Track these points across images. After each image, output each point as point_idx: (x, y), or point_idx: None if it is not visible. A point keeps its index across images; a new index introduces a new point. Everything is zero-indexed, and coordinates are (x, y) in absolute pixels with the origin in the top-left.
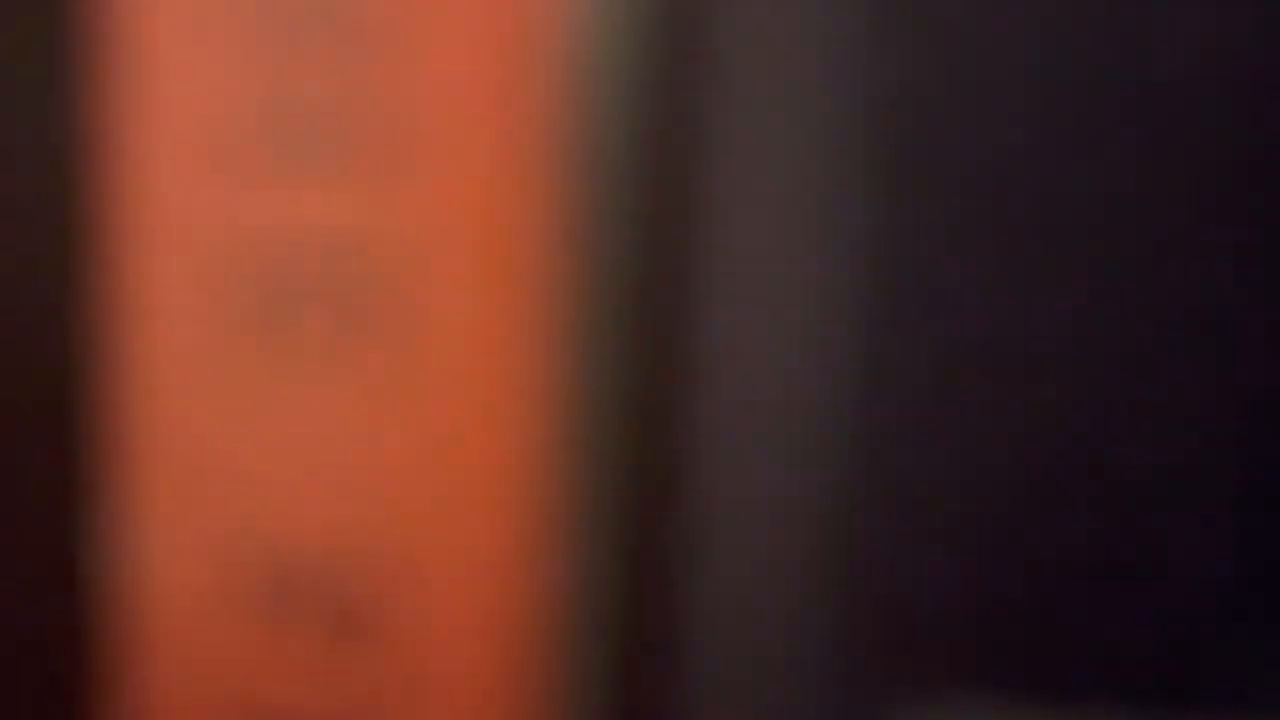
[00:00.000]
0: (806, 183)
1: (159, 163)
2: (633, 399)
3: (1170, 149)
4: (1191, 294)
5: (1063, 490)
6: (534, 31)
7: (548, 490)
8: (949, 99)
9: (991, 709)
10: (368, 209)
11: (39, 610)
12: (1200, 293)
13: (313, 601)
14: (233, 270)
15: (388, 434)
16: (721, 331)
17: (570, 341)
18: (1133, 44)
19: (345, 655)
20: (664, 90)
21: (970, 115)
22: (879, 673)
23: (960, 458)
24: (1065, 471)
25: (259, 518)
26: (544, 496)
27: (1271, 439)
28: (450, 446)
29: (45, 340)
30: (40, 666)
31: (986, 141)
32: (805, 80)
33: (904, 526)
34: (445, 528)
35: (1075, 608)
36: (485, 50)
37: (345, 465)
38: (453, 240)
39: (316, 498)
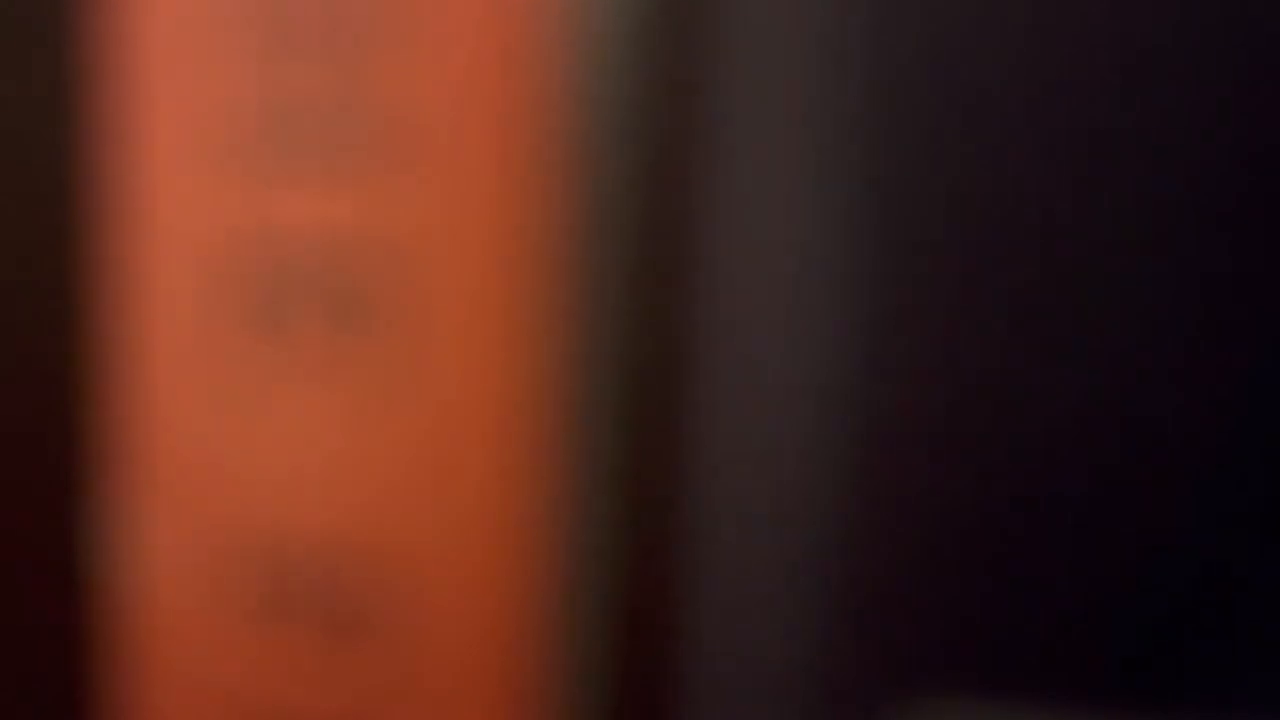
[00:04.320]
0: (808, 181)
1: (159, 163)
2: (633, 398)
3: (1179, 147)
4: (1196, 297)
5: (1061, 492)
6: (534, 31)
7: (547, 490)
8: (953, 95)
9: (988, 710)
10: (368, 209)
11: (38, 610)
12: (1204, 296)
13: (311, 601)
14: (233, 270)
15: (387, 434)
16: (723, 330)
17: (570, 340)
18: (1138, 37)
19: (344, 655)
20: (664, 89)
21: (974, 111)
22: (876, 674)
23: (960, 459)
24: (1064, 473)
25: (258, 517)
26: (543, 496)
27: (1266, 444)
28: (449, 446)
29: (45, 340)
30: (40, 666)
31: (992, 137)
32: (807, 78)
33: (902, 528)
34: (444, 527)
35: (1072, 609)
36: (485, 50)
37: (344, 465)
38: (452, 240)
39: (315, 497)
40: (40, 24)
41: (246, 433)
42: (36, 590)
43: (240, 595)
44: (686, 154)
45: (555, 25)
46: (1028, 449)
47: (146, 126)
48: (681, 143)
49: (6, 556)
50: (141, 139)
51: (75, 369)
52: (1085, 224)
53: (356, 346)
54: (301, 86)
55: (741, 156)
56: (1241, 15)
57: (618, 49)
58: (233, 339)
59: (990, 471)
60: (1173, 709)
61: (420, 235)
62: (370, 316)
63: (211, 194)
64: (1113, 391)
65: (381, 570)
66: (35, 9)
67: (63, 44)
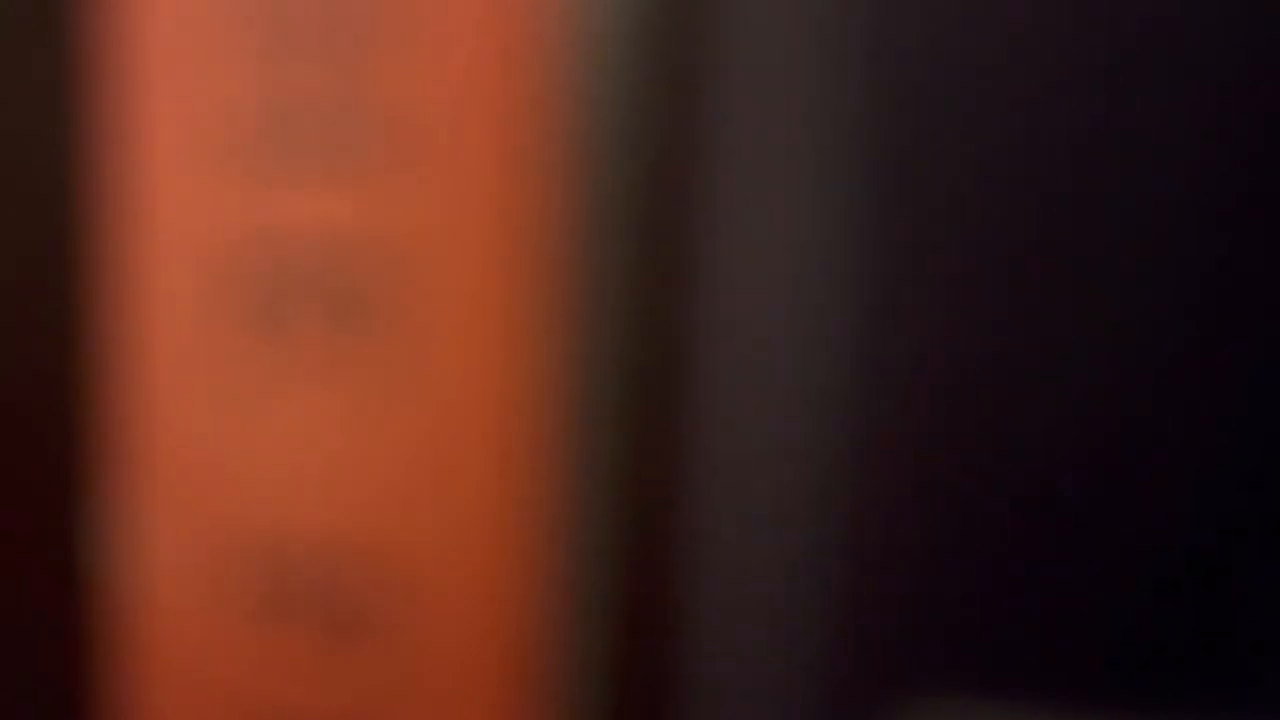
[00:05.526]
0: (807, 182)
1: (159, 163)
2: (632, 399)
3: (1179, 147)
4: (1196, 297)
5: (1061, 492)
6: (534, 31)
7: (547, 490)
8: (952, 95)
9: (988, 710)
10: (368, 209)
11: (38, 610)
12: (1204, 296)
13: (311, 601)
14: (233, 270)
15: (387, 434)
16: (722, 330)
17: (570, 341)
18: (1137, 37)
19: (343, 655)
20: (664, 89)
21: (974, 111)
22: (876, 674)
23: (960, 459)
24: (1064, 473)
25: (258, 517)
26: (543, 496)
27: (1266, 444)
28: (449, 446)
29: (45, 340)
30: (40, 666)
31: (992, 137)
32: (807, 78)
33: (902, 528)
34: (444, 527)
35: (1072, 609)
36: (485, 50)
37: (344, 465)
38: (452, 240)
39: (315, 497)
40: (40, 24)
41: (246, 433)
42: (36, 590)
43: (240, 595)
44: (686, 154)
45: (555, 25)
46: (1028, 449)
47: (146, 126)
48: (681, 143)
49: (6, 556)
50: (141, 139)
51: (75, 369)
52: (1085, 224)
53: (356, 346)
54: (301, 86)
55: (741, 156)
56: (1242, 15)
57: (618, 49)
58: (233, 339)
59: (990, 471)
60: (1173, 709)
61: (420, 235)
62: (370, 316)
63: (211, 194)
64: (1113, 391)
65: (381, 570)
66: (35, 9)
67: (63, 44)
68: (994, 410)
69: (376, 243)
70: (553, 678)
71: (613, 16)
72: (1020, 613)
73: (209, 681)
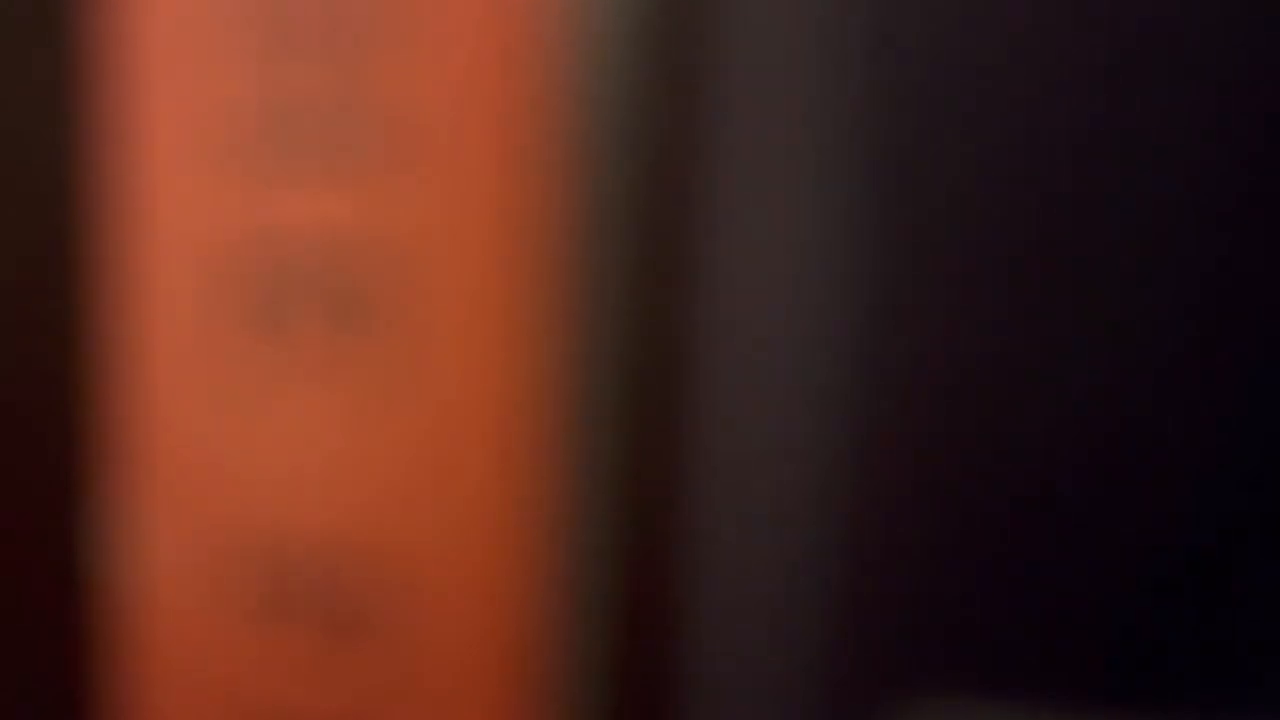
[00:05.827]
0: (807, 182)
1: (159, 163)
2: (632, 399)
3: (1179, 147)
4: (1196, 297)
5: (1061, 492)
6: (534, 30)
7: (547, 490)
8: (952, 95)
9: (988, 710)
10: (368, 209)
11: (38, 610)
12: (1204, 296)
13: (311, 601)
14: (233, 270)
15: (387, 434)
16: (722, 330)
17: (570, 341)
18: (1137, 37)
19: (343, 655)
20: (664, 89)
21: (974, 110)
22: (876, 674)
23: (960, 459)
24: (1064, 473)
25: (258, 517)
26: (543, 496)
27: (1266, 444)
28: (449, 446)
29: (45, 340)
30: (39, 666)
31: (992, 137)
32: (807, 78)
33: (902, 528)
34: (444, 527)
35: (1072, 609)
36: (485, 50)
37: (344, 465)
38: (452, 240)
39: (315, 497)
40: (40, 24)
41: (246, 433)
42: (36, 590)
43: (240, 595)
44: (686, 154)
45: (555, 25)
46: (1028, 449)
47: (146, 126)
48: (681, 142)
49: (6, 556)
50: (141, 139)
51: (75, 369)
52: (1085, 224)
53: (356, 346)
54: (301, 86)
55: (741, 156)
56: (1242, 15)
57: (618, 49)
58: (233, 339)
59: (990, 471)
60: (1173, 709)
61: (420, 235)
62: (370, 316)
63: (211, 194)
64: (1113, 391)
65: (381, 570)
66: (35, 9)
67: (63, 44)
68: (994, 410)
69: (376, 243)
70: (553, 678)
71: (613, 16)
72: (1020, 613)
73: (209, 681)
